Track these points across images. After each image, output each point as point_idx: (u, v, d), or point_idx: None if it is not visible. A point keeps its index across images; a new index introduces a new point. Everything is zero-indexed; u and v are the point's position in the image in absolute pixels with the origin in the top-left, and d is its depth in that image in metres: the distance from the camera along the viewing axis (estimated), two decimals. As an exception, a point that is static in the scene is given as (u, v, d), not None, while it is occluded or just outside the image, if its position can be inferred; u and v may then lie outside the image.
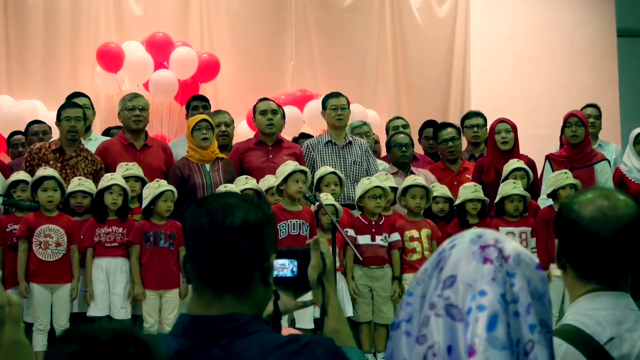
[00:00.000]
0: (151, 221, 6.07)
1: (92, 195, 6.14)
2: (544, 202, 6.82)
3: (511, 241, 1.55)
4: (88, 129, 7.20)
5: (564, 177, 6.52)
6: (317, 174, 6.58)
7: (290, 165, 6.28)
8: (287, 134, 7.80)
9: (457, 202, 6.67)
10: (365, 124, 7.86)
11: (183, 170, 6.57)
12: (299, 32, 9.63)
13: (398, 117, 8.43)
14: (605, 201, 2.01)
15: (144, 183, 6.30)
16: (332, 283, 2.19)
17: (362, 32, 9.82)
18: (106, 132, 7.88)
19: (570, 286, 2.07)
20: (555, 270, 5.71)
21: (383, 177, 6.67)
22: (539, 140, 8.41)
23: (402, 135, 7.49)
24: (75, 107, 6.56)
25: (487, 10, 10.26)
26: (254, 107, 7.20)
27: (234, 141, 7.45)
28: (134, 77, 8.65)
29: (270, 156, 6.90)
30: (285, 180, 6.21)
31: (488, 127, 7.38)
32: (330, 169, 6.60)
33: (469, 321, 1.45)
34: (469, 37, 10.10)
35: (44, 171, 6.05)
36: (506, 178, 6.70)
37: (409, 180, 6.65)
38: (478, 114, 7.65)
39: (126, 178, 6.22)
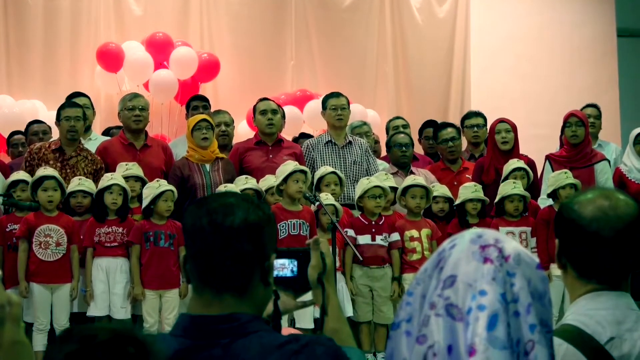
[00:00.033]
0: (151, 221, 6.07)
1: (92, 195, 6.13)
2: (544, 202, 6.82)
3: (511, 241, 1.55)
4: (88, 129, 7.20)
5: (564, 177, 6.52)
6: (317, 174, 6.57)
7: (290, 165, 6.28)
8: (287, 134, 7.80)
9: (457, 202, 6.67)
10: (365, 123, 7.86)
11: (183, 170, 6.57)
12: (299, 32, 9.62)
13: (398, 117, 8.43)
14: (606, 201, 2.01)
15: (144, 183, 6.30)
16: (332, 283, 2.19)
17: (362, 32, 9.82)
18: (106, 132, 7.87)
19: (570, 286, 2.07)
20: (555, 270, 5.70)
21: (383, 177, 6.67)
22: (539, 140, 8.41)
23: (402, 135, 7.49)
24: (75, 107, 6.55)
25: (487, 10, 10.26)
26: (254, 107, 7.20)
27: (234, 141, 7.45)
28: (134, 77, 8.64)
29: (270, 156, 6.89)
30: (285, 180, 6.21)
31: (488, 127, 7.38)
32: (330, 169, 6.59)
33: (469, 321, 1.45)
34: (469, 37, 10.10)
35: (44, 171, 6.04)
36: (506, 178, 6.70)
37: (409, 180, 6.65)
38: (478, 114, 7.65)
39: (126, 178, 6.22)
